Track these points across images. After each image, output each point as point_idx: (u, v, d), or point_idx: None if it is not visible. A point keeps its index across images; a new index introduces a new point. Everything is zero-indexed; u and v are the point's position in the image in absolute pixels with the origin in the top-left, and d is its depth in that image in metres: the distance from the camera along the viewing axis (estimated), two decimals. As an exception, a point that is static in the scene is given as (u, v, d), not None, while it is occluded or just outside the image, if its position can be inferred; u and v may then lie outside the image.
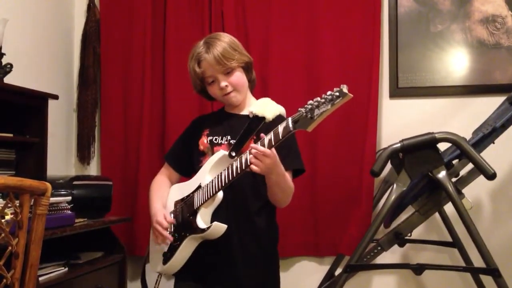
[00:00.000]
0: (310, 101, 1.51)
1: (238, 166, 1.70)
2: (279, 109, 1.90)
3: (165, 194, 2.01)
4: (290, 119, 1.57)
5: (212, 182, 1.78)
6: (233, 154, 1.75)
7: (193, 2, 3.01)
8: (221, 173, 1.76)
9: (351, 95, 1.45)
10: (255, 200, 1.87)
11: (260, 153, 1.63)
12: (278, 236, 1.99)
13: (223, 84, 1.89)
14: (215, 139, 1.93)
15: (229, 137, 1.90)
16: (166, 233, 1.87)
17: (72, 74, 3.15)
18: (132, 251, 2.91)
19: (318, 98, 1.49)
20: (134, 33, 3.06)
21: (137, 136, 3.01)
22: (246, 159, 1.67)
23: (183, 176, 2.09)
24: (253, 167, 1.65)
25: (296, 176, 1.92)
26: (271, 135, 1.62)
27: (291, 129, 1.56)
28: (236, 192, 1.84)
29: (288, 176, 1.82)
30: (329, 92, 1.47)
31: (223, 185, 1.75)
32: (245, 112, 1.94)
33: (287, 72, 2.89)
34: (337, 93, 1.45)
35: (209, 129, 1.97)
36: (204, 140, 1.94)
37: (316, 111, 1.49)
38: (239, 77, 1.92)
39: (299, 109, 1.54)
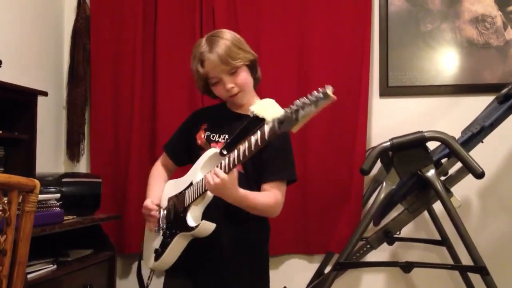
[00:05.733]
0: (297, 101, 1.47)
1: (226, 165, 1.69)
2: (280, 113, 1.87)
3: (162, 187, 2.02)
4: (276, 120, 1.54)
5: (203, 180, 1.78)
6: (225, 152, 1.72)
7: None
8: (211, 171, 1.75)
9: (335, 98, 1.40)
10: None
11: (215, 174, 1.66)
12: (269, 237, 1.99)
13: (229, 86, 1.85)
14: (213, 136, 1.91)
15: (226, 136, 1.88)
16: (155, 213, 1.88)
17: (61, 71, 3.13)
18: (121, 249, 2.90)
19: (304, 98, 1.45)
20: (124, 30, 3.05)
21: (127, 133, 3.00)
22: (234, 158, 1.66)
23: (179, 167, 2.09)
24: (207, 184, 1.70)
25: (288, 183, 1.90)
26: (257, 135, 1.59)
27: (277, 129, 1.53)
28: None
29: (254, 196, 1.80)
30: (314, 93, 1.43)
31: None
32: (247, 111, 1.86)
33: (277, 70, 2.88)
34: (321, 95, 1.41)
35: (207, 124, 1.95)
36: (202, 135, 1.93)
37: (301, 112, 1.45)
38: (245, 76, 1.88)
39: (285, 109, 1.51)
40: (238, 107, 1.95)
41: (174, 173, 2.11)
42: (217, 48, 1.83)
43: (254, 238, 1.90)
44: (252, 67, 1.92)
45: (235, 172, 1.68)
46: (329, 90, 1.40)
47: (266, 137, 1.57)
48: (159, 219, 1.91)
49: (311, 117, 1.46)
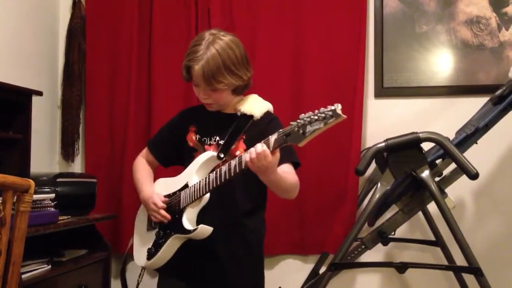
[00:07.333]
0: (303, 115, 1.46)
1: (227, 171, 1.68)
2: (267, 106, 1.88)
3: (152, 183, 1.99)
4: (282, 132, 1.53)
5: (200, 184, 1.77)
6: (222, 155, 1.72)
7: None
8: (209, 175, 1.75)
9: (345, 116, 1.40)
10: (246, 202, 1.86)
11: (261, 153, 1.56)
12: (264, 237, 1.98)
13: (202, 96, 1.84)
14: (203, 139, 1.90)
15: (217, 138, 1.87)
16: (164, 212, 1.85)
17: (56, 71, 3.12)
18: (116, 249, 2.88)
19: (311, 114, 1.44)
20: (119, 30, 3.04)
21: (122, 133, 3.00)
22: (235, 165, 1.66)
23: (162, 166, 2.06)
24: (249, 163, 1.59)
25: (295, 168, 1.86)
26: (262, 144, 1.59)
27: (282, 142, 1.53)
28: (226, 193, 1.82)
29: (285, 176, 1.74)
30: (322, 109, 1.42)
31: (211, 188, 1.73)
32: (232, 110, 1.89)
33: (272, 71, 2.88)
34: (330, 113, 1.40)
35: (196, 126, 1.93)
36: (193, 137, 1.92)
37: (308, 128, 1.44)
38: (223, 96, 1.83)
39: (291, 122, 1.50)
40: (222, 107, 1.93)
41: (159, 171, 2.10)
42: (205, 63, 1.74)
43: (251, 239, 1.89)
44: (236, 89, 1.85)
45: (277, 154, 1.61)
46: (339, 109, 1.39)
47: (271, 148, 1.56)
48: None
49: (319, 134, 1.45)
